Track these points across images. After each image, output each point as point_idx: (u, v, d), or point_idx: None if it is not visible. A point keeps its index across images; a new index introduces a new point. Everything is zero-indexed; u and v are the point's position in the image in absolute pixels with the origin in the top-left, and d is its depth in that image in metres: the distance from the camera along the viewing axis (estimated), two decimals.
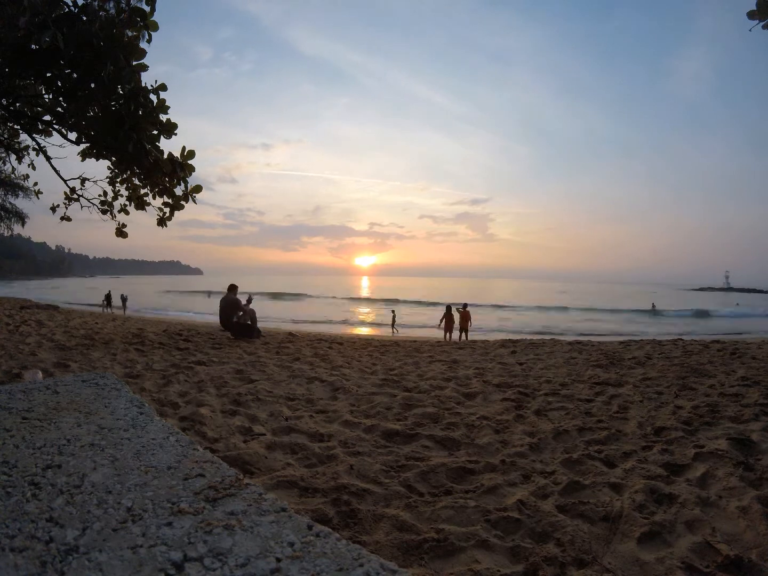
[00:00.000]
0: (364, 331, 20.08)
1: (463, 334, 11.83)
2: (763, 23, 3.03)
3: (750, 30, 3.12)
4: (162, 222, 6.10)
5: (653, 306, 36.70)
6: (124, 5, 4.23)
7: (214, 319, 10.61)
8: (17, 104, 5.40)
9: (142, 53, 4.33)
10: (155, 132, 4.82)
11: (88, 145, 5.42)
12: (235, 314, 8.05)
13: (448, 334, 11.89)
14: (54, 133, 5.70)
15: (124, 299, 24.96)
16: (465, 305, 12.28)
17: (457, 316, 12.02)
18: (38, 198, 7.96)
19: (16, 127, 6.06)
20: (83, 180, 6.45)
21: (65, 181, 6.33)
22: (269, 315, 23.57)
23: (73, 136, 5.36)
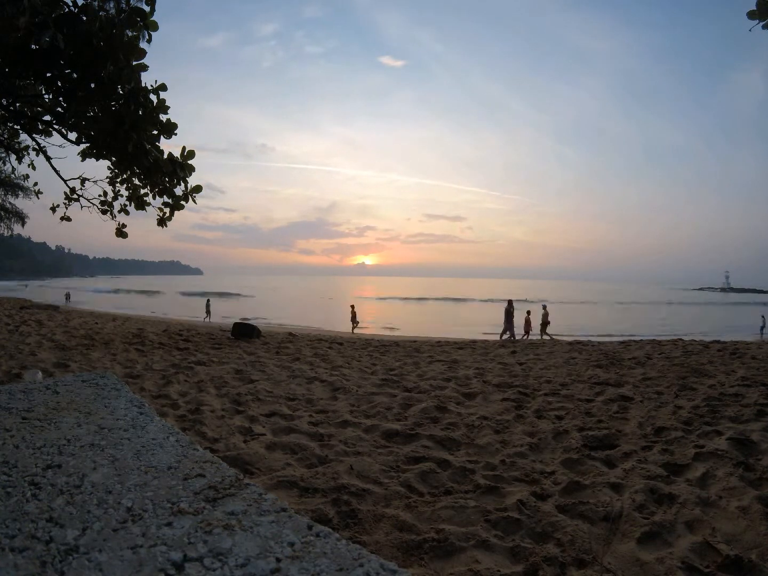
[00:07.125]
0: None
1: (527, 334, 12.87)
2: (763, 23, 3.03)
3: (750, 30, 3.11)
4: (162, 222, 6.09)
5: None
6: (124, 5, 4.22)
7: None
8: (17, 104, 5.39)
9: (142, 53, 4.33)
10: (155, 132, 4.82)
11: (88, 145, 5.41)
12: None
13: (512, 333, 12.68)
14: (54, 133, 5.69)
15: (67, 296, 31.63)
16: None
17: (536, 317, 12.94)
18: (38, 198, 7.95)
19: (16, 127, 6.05)
20: (83, 180, 6.44)
21: (65, 181, 6.32)
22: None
23: (73, 136, 5.35)
